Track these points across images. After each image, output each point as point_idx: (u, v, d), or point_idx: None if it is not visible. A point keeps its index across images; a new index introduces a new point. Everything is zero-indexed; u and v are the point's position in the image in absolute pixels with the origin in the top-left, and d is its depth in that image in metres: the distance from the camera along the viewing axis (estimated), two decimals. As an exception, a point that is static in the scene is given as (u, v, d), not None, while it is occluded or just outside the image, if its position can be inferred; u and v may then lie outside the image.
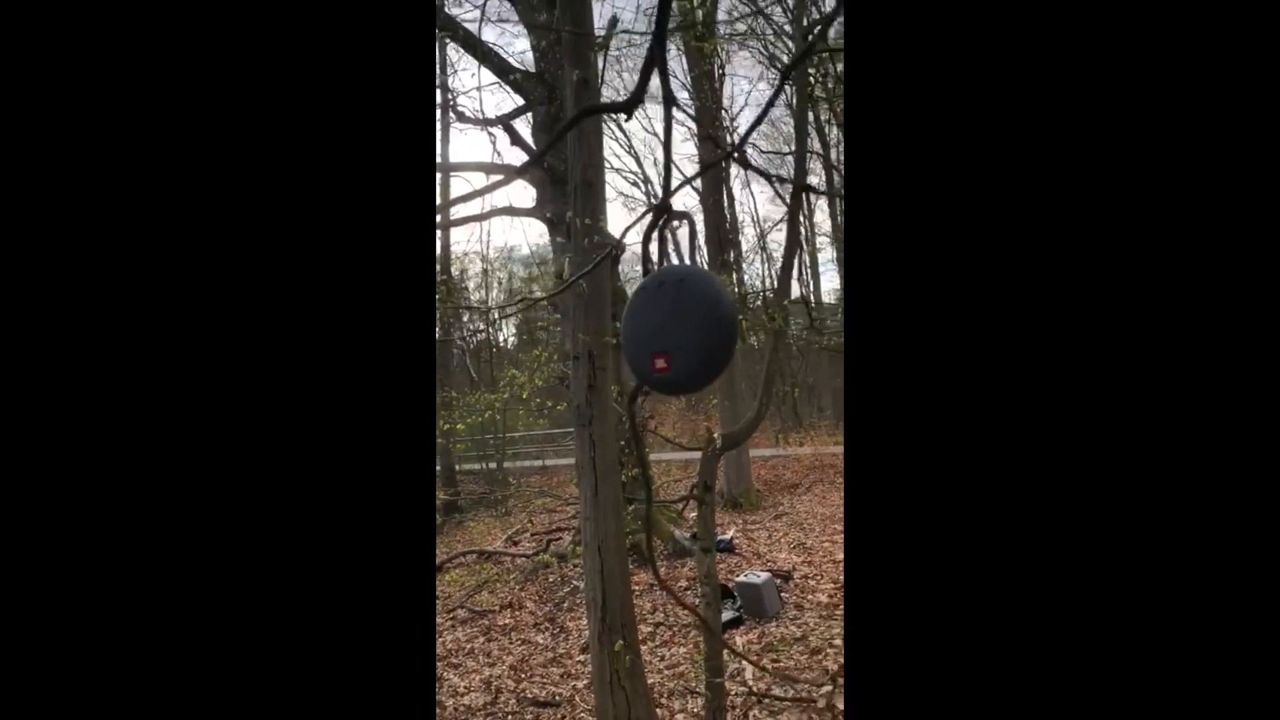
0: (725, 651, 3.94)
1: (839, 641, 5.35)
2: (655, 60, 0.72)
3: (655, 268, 0.90)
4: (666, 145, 0.81)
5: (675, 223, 0.84)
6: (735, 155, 0.80)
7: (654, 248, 0.88)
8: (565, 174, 5.23)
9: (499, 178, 7.14)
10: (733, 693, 4.55)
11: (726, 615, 5.72)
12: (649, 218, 0.88)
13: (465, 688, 5.68)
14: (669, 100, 0.75)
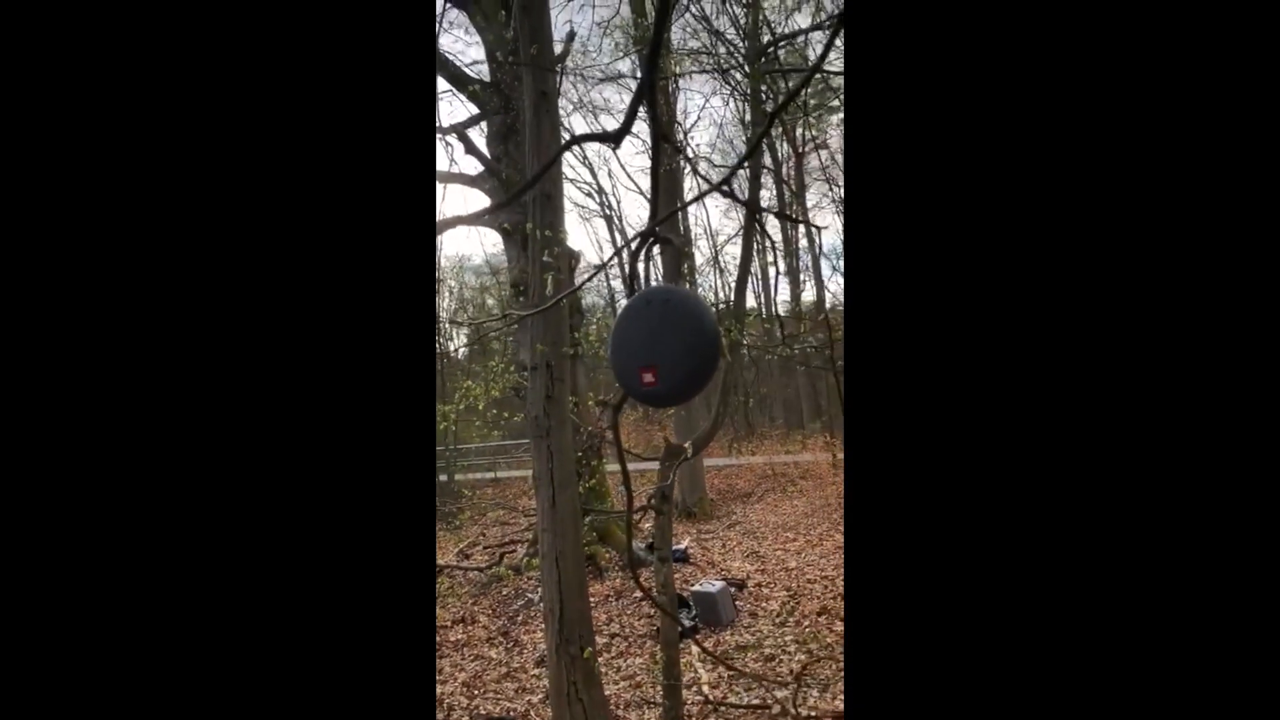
0: (681, 660, 3.97)
1: (793, 648, 5.45)
2: (644, 96, 0.77)
3: (641, 287, 0.94)
4: (654, 176, 0.85)
5: (659, 246, 0.89)
6: (725, 191, 0.85)
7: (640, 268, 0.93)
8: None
9: (482, 196, 7.07)
10: (689, 702, 4.59)
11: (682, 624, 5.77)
12: (636, 242, 0.93)
13: (417, 705, 5.56)
14: (658, 136, 0.80)
